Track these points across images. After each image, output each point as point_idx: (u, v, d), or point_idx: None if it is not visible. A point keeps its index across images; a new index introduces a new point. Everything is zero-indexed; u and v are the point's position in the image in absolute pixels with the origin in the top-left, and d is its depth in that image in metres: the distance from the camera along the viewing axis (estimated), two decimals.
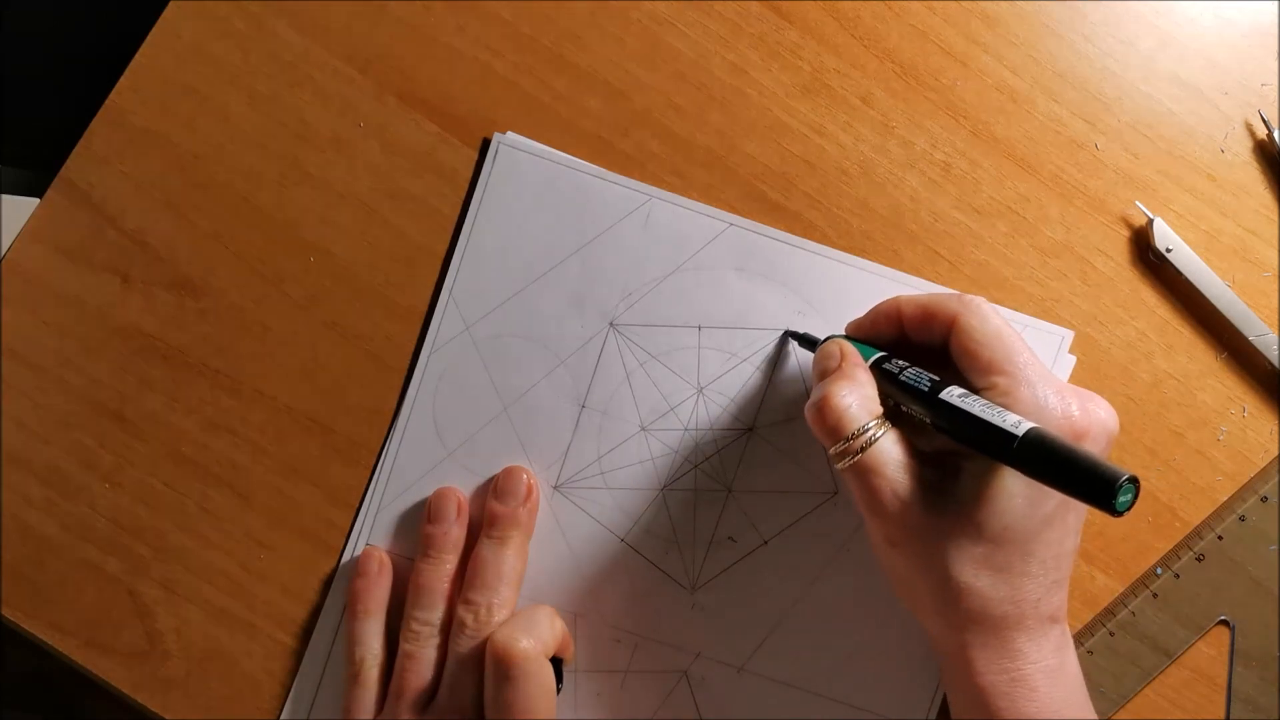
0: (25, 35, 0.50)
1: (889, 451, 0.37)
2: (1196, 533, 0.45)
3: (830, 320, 0.45)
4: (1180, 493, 0.46)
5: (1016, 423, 0.33)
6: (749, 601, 0.45)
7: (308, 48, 0.47)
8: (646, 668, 0.45)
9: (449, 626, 0.43)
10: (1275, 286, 0.46)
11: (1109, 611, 0.45)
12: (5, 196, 0.45)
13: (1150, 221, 0.45)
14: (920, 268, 0.46)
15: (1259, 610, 0.45)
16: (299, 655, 0.46)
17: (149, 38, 0.47)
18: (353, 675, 0.44)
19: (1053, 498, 0.36)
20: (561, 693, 0.44)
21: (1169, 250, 0.45)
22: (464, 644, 0.42)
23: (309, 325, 0.46)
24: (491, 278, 0.46)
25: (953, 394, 0.36)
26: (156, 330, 0.46)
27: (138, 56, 0.47)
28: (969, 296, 0.38)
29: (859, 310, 0.44)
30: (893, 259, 0.46)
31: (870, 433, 0.37)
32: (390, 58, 0.47)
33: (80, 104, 0.47)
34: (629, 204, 0.46)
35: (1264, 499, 0.45)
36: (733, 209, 0.46)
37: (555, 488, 0.45)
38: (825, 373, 0.39)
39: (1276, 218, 0.46)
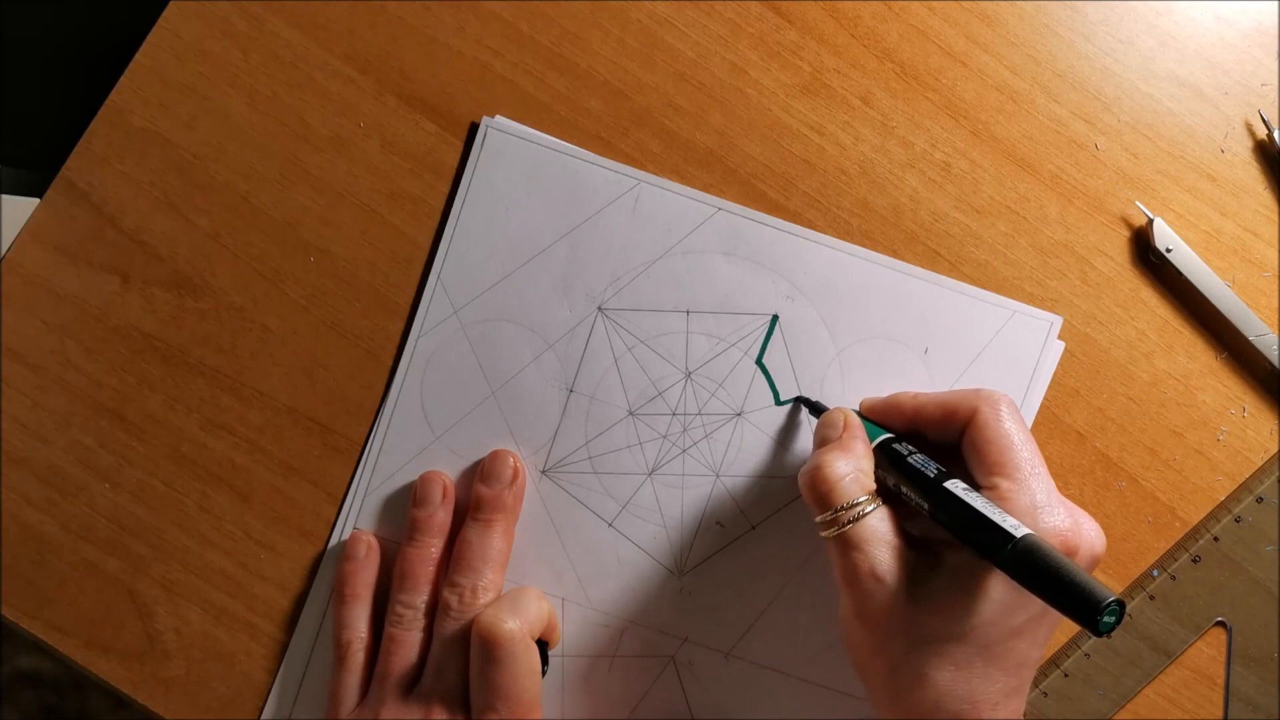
0: (25, 35, 0.50)
1: (875, 528, 0.37)
2: (1193, 534, 0.45)
3: (818, 306, 0.45)
4: (1180, 493, 0.46)
5: (1015, 526, 0.34)
6: (737, 587, 0.45)
7: (308, 48, 0.47)
8: (634, 652, 0.45)
9: (434, 610, 0.43)
10: (1275, 286, 0.46)
11: None
12: (5, 196, 0.45)
13: (1150, 221, 0.45)
14: (920, 267, 0.46)
15: (1258, 610, 0.45)
16: None
17: (149, 38, 0.47)
18: (339, 659, 0.44)
19: (1028, 610, 0.36)
20: (548, 676, 0.44)
21: (1169, 250, 0.45)
22: (449, 626, 0.42)
23: (309, 325, 0.46)
24: (479, 262, 0.46)
25: (957, 486, 0.36)
26: (156, 330, 0.46)
27: (138, 56, 0.47)
28: (989, 391, 0.38)
29: (848, 296, 0.45)
30: (892, 259, 0.46)
31: (859, 507, 0.37)
32: (390, 58, 0.47)
33: (80, 104, 0.47)
34: (617, 188, 0.46)
35: (1260, 500, 0.45)
36: None
37: (543, 472, 0.45)
38: (825, 441, 0.39)
39: (1276, 218, 0.46)
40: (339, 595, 0.44)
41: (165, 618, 0.46)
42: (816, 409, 0.44)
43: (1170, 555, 0.45)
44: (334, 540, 0.46)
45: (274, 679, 0.46)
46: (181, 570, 0.46)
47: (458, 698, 0.41)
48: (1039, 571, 0.32)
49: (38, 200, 0.46)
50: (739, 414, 0.45)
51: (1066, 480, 0.45)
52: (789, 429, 0.45)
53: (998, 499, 0.36)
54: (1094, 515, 0.45)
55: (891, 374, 0.45)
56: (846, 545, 0.37)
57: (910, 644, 0.36)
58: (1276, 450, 0.46)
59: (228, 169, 0.46)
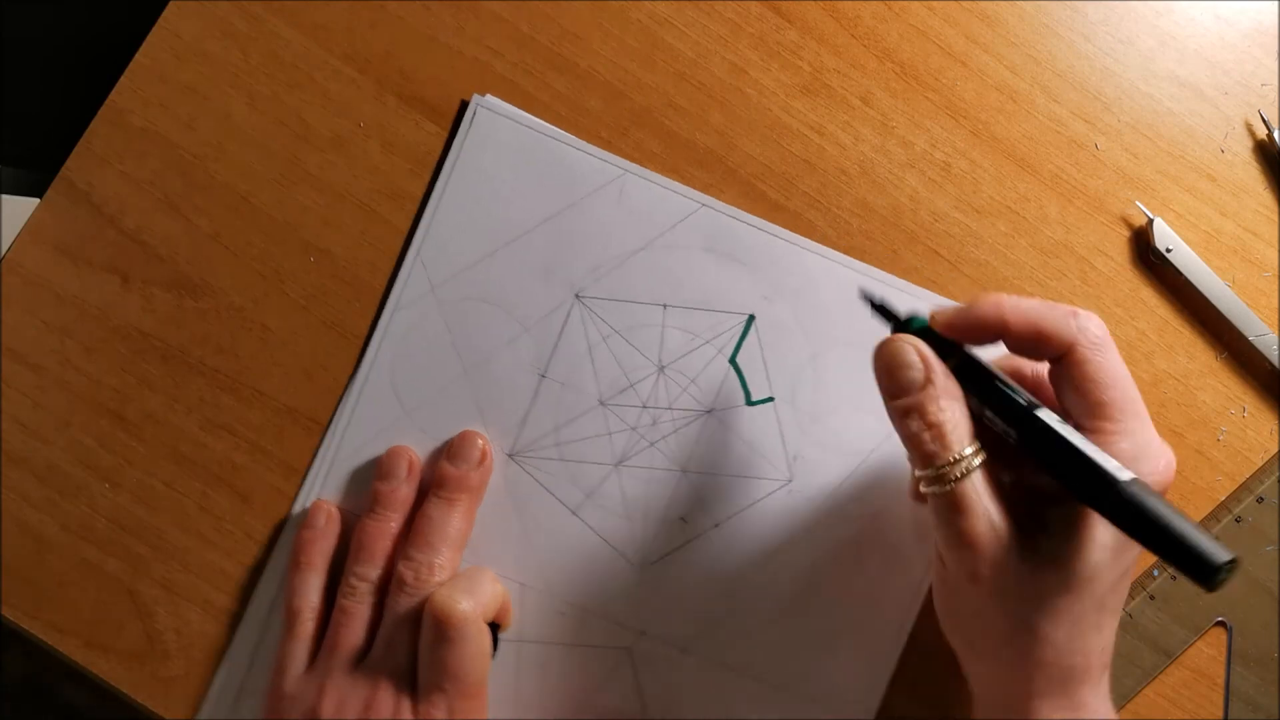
0: (25, 35, 0.50)
1: (981, 482, 0.34)
2: None
3: (795, 309, 0.45)
4: (1180, 493, 0.46)
5: (1118, 468, 0.32)
6: (697, 583, 0.45)
7: (308, 48, 0.47)
8: (590, 642, 0.45)
9: (388, 585, 0.43)
10: (1275, 286, 0.46)
11: None
12: (5, 196, 0.45)
13: (1150, 221, 0.45)
14: (920, 268, 0.46)
15: (1258, 611, 0.45)
16: None
17: (149, 38, 0.47)
18: (289, 626, 0.43)
19: (1133, 550, 0.34)
20: (501, 660, 0.44)
21: (1169, 250, 0.45)
22: (402, 602, 0.41)
23: (309, 325, 0.46)
24: (460, 240, 0.46)
25: (1050, 417, 0.33)
26: (156, 330, 0.46)
27: (138, 56, 0.47)
28: (1086, 319, 0.35)
29: (825, 300, 0.44)
30: (892, 259, 0.46)
31: (968, 460, 0.34)
32: (390, 58, 0.47)
33: (80, 104, 0.47)
34: (604, 176, 0.46)
35: (1260, 500, 0.45)
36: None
37: (509, 455, 0.45)
38: (908, 385, 0.35)
39: (1276, 218, 0.46)
40: (294, 563, 0.44)
41: (165, 618, 0.46)
42: (886, 312, 0.38)
43: None
44: (298, 508, 0.46)
45: (229, 645, 0.45)
46: (181, 570, 0.46)
47: (405, 674, 0.41)
48: (1146, 522, 0.31)
49: (38, 200, 0.46)
50: (709, 411, 0.45)
51: None
52: (757, 429, 0.45)
53: (1100, 442, 0.34)
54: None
55: (866, 380, 0.44)
56: (958, 502, 0.34)
57: (1030, 604, 0.34)
58: (1277, 450, 0.46)
59: (228, 169, 0.46)
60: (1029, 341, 0.35)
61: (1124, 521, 0.31)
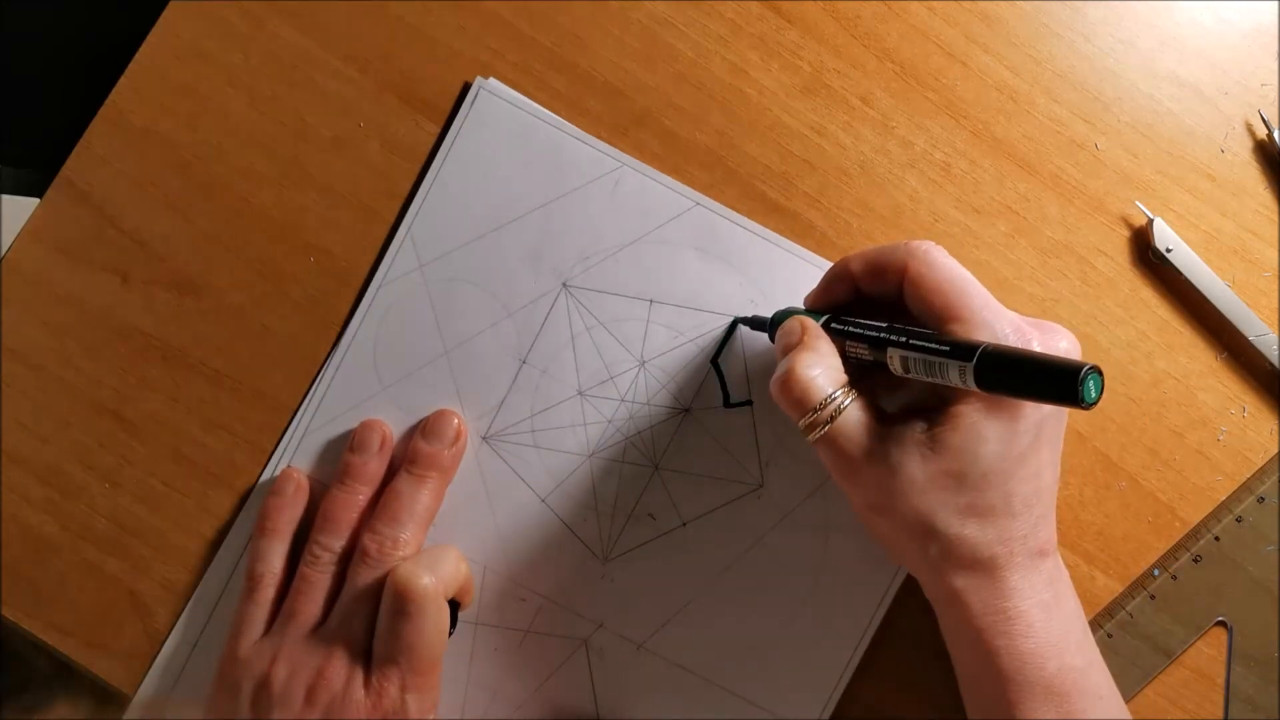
0: (25, 35, 0.50)
1: (858, 418, 0.37)
2: (1194, 534, 0.45)
3: None
4: (1180, 493, 0.46)
5: (971, 343, 0.34)
6: (659, 581, 0.45)
7: (308, 48, 0.47)
8: (548, 630, 0.45)
9: (350, 557, 0.43)
10: (1275, 286, 0.46)
11: (1107, 613, 0.45)
12: (5, 196, 0.45)
13: (1150, 221, 0.45)
14: None
15: (1258, 610, 0.45)
16: None
17: (149, 38, 0.47)
18: (249, 590, 0.43)
19: (1024, 435, 0.36)
20: (457, 639, 0.44)
21: (1169, 250, 0.45)
22: (363, 573, 0.42)
23: (309, 325, 0.46)
24: (453, 220, 0.46)
25: (902, 333, 0.36)
26: (156, 330, 0.46)
27: (138, 56, 0.47)
28: (916, 243, 0.38)
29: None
30: None
31: (837, 402, 0.37)
32: (390, 58, 0.47)
33: (80, 104, 0.47)
34: (600, 167, 0.46)
35: (1261, 499, 0.45)
36: (733, 208, 0.46)
37: (484, 438, 0.45)
38: (788, 349, 0.39)
39: (1276, 218, 0.46)
40: (259, 528, 0.44)
41: (165, 617, 0.46)
42: (757, 322, 0.43)
43: (1171, 555, 0.45)
44: (267, 474, 0.46)
45: (185, 606, 0.45)
46: (182, 570, 0.46)
47: (360, 646, 0.41)
48: (1009, 371, 0.32)
49: (38, 200, 0.46)
50: (686, 410, 0.45)
51: (1067, 480, 0.45)
52: (733, 432, 0.45)
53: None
54: (1094, 515, 0.45)
55: None
56: (834, 441, 0.37)
57: (931, 514, 0.36)
58: (1277, 450, 0.46)
59: (228, 169, 0.46)
60: (874, 279, 0.39)
61: (990, 381, 0.33)
